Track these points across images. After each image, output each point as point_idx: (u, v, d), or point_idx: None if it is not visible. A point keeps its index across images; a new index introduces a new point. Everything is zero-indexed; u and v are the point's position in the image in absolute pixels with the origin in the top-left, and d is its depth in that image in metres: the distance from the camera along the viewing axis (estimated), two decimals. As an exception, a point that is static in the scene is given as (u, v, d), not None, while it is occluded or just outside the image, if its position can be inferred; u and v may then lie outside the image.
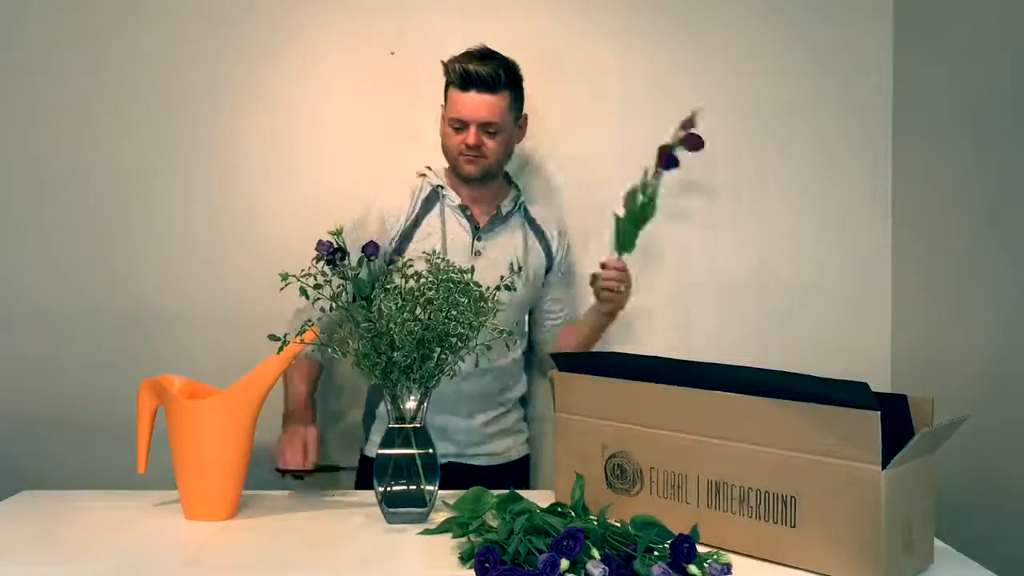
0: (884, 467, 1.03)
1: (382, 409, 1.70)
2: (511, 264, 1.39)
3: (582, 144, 1.93)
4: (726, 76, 1.93)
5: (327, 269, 1.28)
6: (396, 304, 1.25)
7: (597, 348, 1.79)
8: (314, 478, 1.51)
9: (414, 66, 1.90)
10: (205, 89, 1.91)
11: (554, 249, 1.77)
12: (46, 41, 1.90)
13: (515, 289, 1.37)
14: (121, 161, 1.91)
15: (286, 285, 1.25)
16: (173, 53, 1.91)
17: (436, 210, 1.68)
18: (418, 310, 1.27)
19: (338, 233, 1.31)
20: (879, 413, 1.03)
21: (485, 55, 1.61)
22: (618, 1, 1.93)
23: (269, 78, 1.92)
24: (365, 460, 1.73)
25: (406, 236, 1.66)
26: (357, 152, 1.91)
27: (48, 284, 1.91)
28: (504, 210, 1.71)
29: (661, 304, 1.93)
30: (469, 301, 1.29)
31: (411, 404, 1.31)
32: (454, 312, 1.26)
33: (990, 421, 1.50)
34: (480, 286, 1.33)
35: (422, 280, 1.29)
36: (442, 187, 1.70)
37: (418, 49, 1.91)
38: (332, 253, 1.28)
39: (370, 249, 1.31)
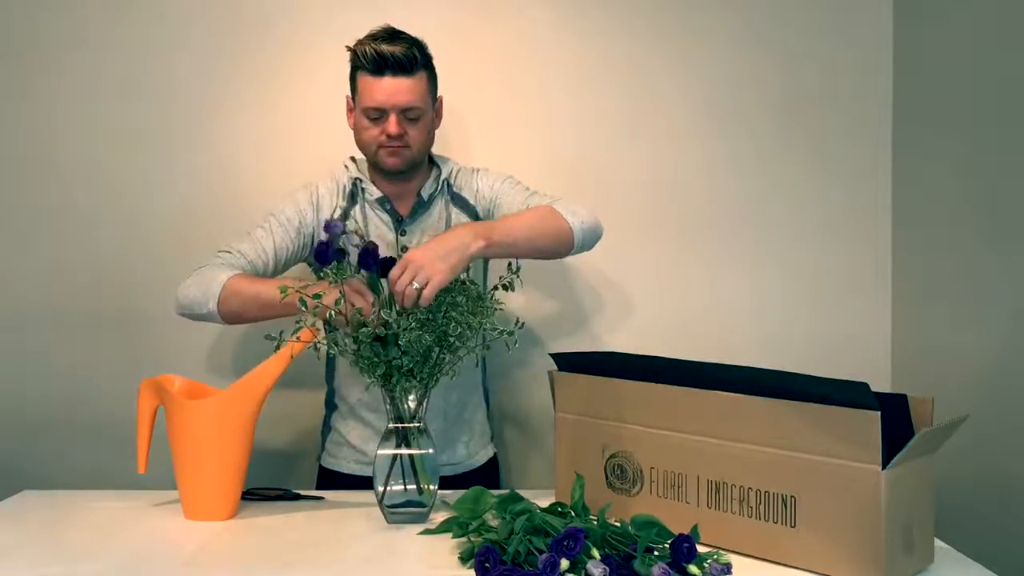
0: (884, 467, 1.03)
1: (335, 420, 1.67)
2: (509, 263, 1.38)
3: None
4: (725, 76, 1.93)
5: (326, 270, 1.28)
6: (395, 312, 1.24)
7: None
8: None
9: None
10: (205, 88, 1.91)
11: (480, 209, 1.60)
12: (46, 40, 1.90)
13: (513, 289, 1.36)
14: (121, 160, 1.91)
15: (285, 297, 1.26)
16: (173, 51, 1.91)
17: (358, 205, 1.58)
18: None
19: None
20: (879, 413, 1.03)
21: (394, 35, 1.48)
22: (612, 2, 1.93)
23: (269, 77, 1.93)
24: (323, 471, 1.68)
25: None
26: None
27: (48, 284, 1.91)
28: (426, 195, 1.58)
29: (660, 304, 1.93)
30: (467, 300, 1.29)
31: (410, 404, 1.31)
32: (453, 313, 1.26)
33: (990, 421, 1.50)
34: (476, 285, 1.32)
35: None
36: (360, 180, 1.58)
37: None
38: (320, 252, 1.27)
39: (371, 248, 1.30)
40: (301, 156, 1.91)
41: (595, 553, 1.04)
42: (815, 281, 1.94)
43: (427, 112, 1.52)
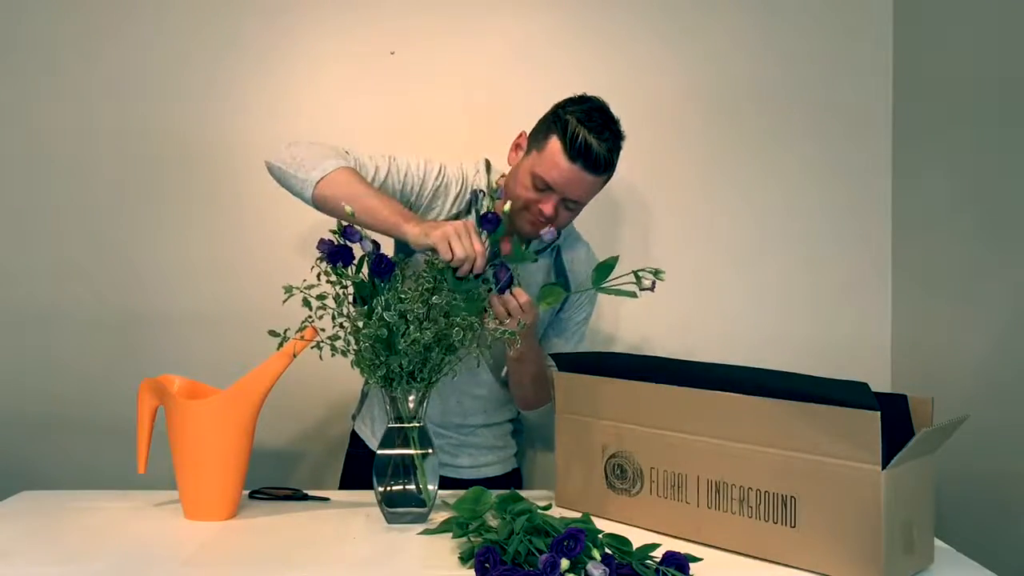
0: (884, 467, 1.03)
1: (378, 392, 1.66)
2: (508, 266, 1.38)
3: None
4: (725, 75, 1.93)
5: (328, 269, 1.28)
6: (398, 314, 1.23)
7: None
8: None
9: (414, 66, 1.91)
10: (206, 89, 1.91)
11: (568, 302, 1.60)
12: (48, 41, 1.91)
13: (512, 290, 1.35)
14: (121, 160, 1.91)
15: (289, 297, 1.25)
16: (175, 52, 1.91)
17: (471, 216, 1.52)
18: (418, 306, 1.25)
19: (338, 231, 1.30)
20: (879, 413, 1.03)
21: (605, 124, 1.42)
22: (614, 1, 1.93)
23: (269, 78, 1.93)
24: (355, 439, 1.69)
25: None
26: (357, 151, 1.91)
27: (48, 284, 1.91)
28: (531, 249, 1.52)
29: (660, 304, 1.93)
30: (467, 301, 1.29)
31: (411, 404, 1.31)
32: (455, 317, 1.26)
33: (990, 421, 1.50)
34: (476, 284, 1.31)
35: (420, 280, 1.28)
36: (483, 194, 1.52)
37: (418, 49, 1.91)
38: (333, 252, 1.28)
39: (372, 248, 1.30)
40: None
41: (595, 553, 1.04)
42: (815, 281, 1.94)
43: (585, 205, 1.49)
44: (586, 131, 1.39)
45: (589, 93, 1.50)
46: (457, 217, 1.52)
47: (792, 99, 1.93)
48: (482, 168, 1.56)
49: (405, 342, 1.22)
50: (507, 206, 1.37)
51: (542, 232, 1.41)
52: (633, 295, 1.36)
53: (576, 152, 1.39)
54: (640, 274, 1.35)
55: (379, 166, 1.47)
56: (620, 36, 1.93)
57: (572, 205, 1.46)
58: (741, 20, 1.93)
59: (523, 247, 1.41)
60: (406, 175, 1.49)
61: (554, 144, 1.41)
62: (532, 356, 1.50)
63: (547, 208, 1.42)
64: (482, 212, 1.47)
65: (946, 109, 1.73)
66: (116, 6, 1.91)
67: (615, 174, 1.51)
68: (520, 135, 1.52)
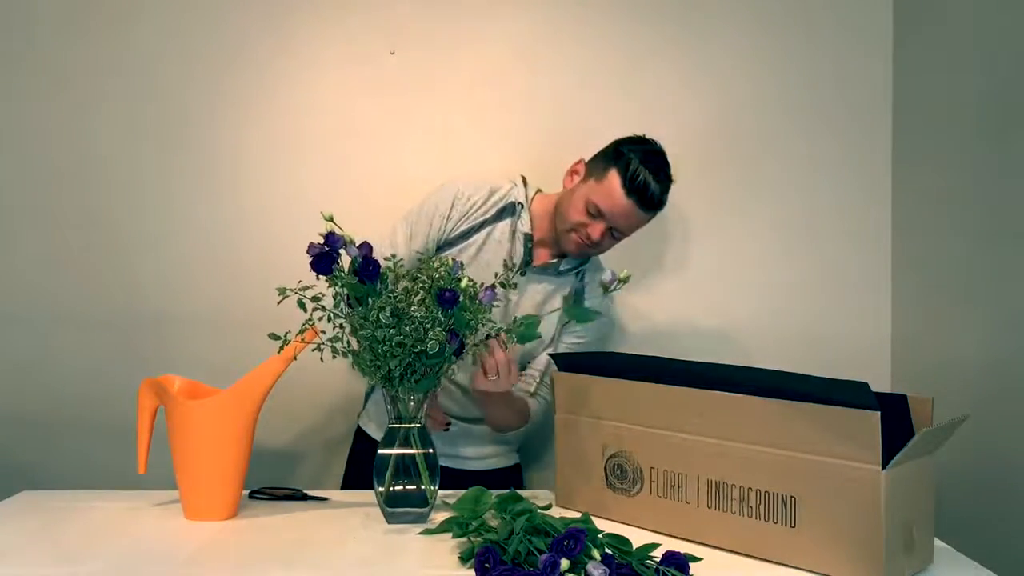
0: (884, 467, 1.03)
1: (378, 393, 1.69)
2: (504, 261, 1.38)
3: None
4: (726, 75, 1.93)
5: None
6: (385, 314, 1.23)
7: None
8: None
9: (414, 66, 1.91)
10: (207, 89, 1.91)
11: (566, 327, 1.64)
12: (48, 41, 1.90)
13: (509, 286, 1.34)
14: (122, 161, 1.91)
15: (283, 299, 1.24)
16: (176, 53, 1.91)
17: (507, 224, 1.59)
18: (412, 308, 1.25)
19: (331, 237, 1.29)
20: (879, 413, 1.03)
21: (660, 165, 1.51)
22: (615, 3, 1.93)
23: (270, 78, 1.92)
24: (360, 435, 1.73)
25: (465, 233, 1.59)
26: (358, 151, 1.91)
27: (48, 284, 1.91)
28: (562, 267, 1.61)
29: (660, 304, 1.93)
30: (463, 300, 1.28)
31: (411, 404, 1.31)
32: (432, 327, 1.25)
33: (990, 421, 1.50)
34: (474, 283, 1.31)
35: (416, 280, 1.28)
36: (522, 206, 1.60)
37: (418, 49, 1.91)
38: (317, 257, 1.26)
39: (364, 249, 1.30)
40: (302, 158, 1.92)
41: (595, 553, 1.04)
42: (815, 281, 1.93)
43: (626, 237, 1.58)
44: (646, 171, 1.48)
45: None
46: (483, 225, 1.59)
47: (792, 98, 1.93)
48: (519, 182, 1.64)
49: (389, 344, 1.22)
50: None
51: (604, 278, 1.46)
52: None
53: (633, 188, 1.48)
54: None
55: (415, 246, 1.58)
56: (622, 37, 1.93)
57: (617, 234, 1.55)
58: (740, 20, 1.93)
59: (576, 303, 1.56)
60: (432, 227, 1.59)
61: (613, 177, 1.49)
62: (500, 399, 1.51)
63: (595, 233, 1.51)
64: (522, 226, 1.59)
65: (946, 109, 1.73)
66: (120, 10, 1.90)
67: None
68: (578, 162, 1.59)
